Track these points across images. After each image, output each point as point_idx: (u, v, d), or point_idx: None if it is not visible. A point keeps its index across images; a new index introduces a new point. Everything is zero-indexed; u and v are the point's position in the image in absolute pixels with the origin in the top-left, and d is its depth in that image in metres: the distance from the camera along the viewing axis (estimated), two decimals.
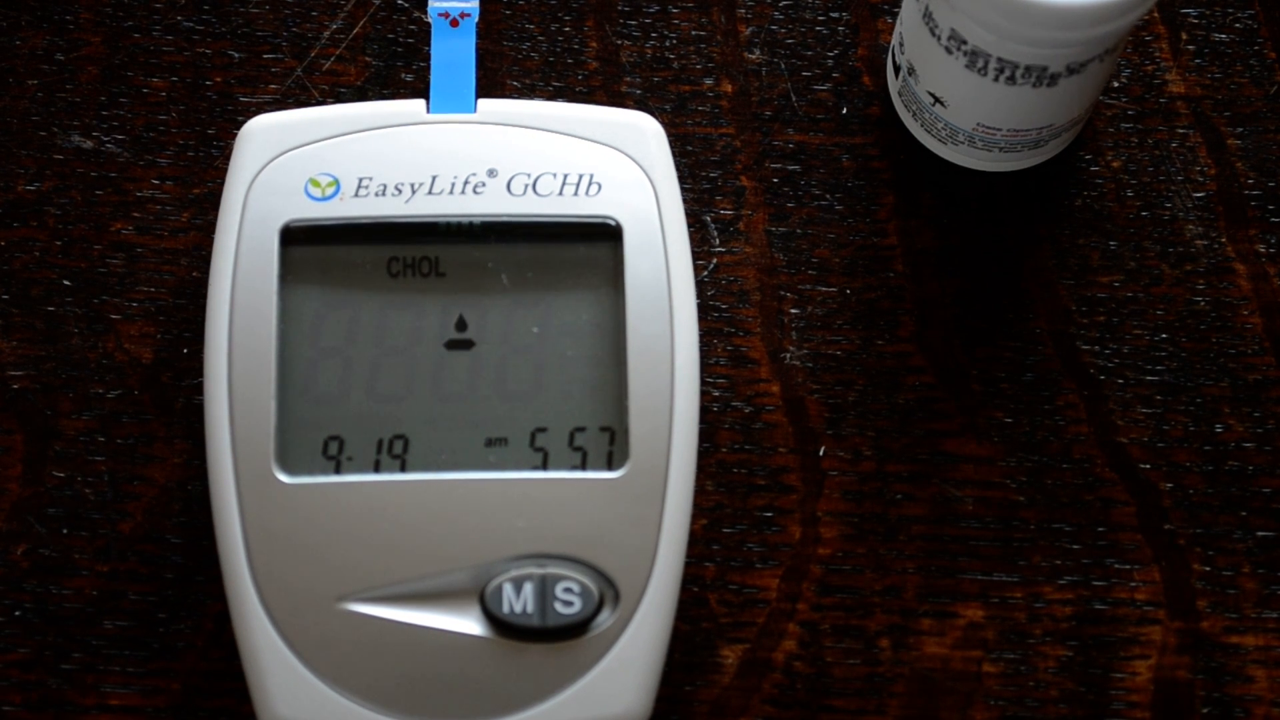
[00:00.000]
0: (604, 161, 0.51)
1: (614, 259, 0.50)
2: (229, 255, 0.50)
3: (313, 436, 0.49)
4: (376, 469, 0.49)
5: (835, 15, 0.57)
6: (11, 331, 0.54)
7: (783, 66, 0.57)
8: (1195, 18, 0.57)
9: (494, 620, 0.48)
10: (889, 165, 0.56)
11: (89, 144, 0.55)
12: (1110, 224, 0.55)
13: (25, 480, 0.52)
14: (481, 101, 0.52)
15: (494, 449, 0.49)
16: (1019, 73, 0.51)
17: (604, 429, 0.49)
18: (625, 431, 0.49)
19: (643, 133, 0.51)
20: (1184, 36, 0.57)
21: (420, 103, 0.52)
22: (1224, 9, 0.57)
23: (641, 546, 0.48)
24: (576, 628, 0.48)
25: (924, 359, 0.54)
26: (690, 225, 0.54)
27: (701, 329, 0.54)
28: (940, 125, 0.54)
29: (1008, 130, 0.53)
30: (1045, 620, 0.52)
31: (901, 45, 0.54)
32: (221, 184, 0.51)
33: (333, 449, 0.49)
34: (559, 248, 0.51)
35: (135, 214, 0.55)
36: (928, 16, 0.51)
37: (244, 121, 0.51)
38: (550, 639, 0.48)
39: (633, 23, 0.57)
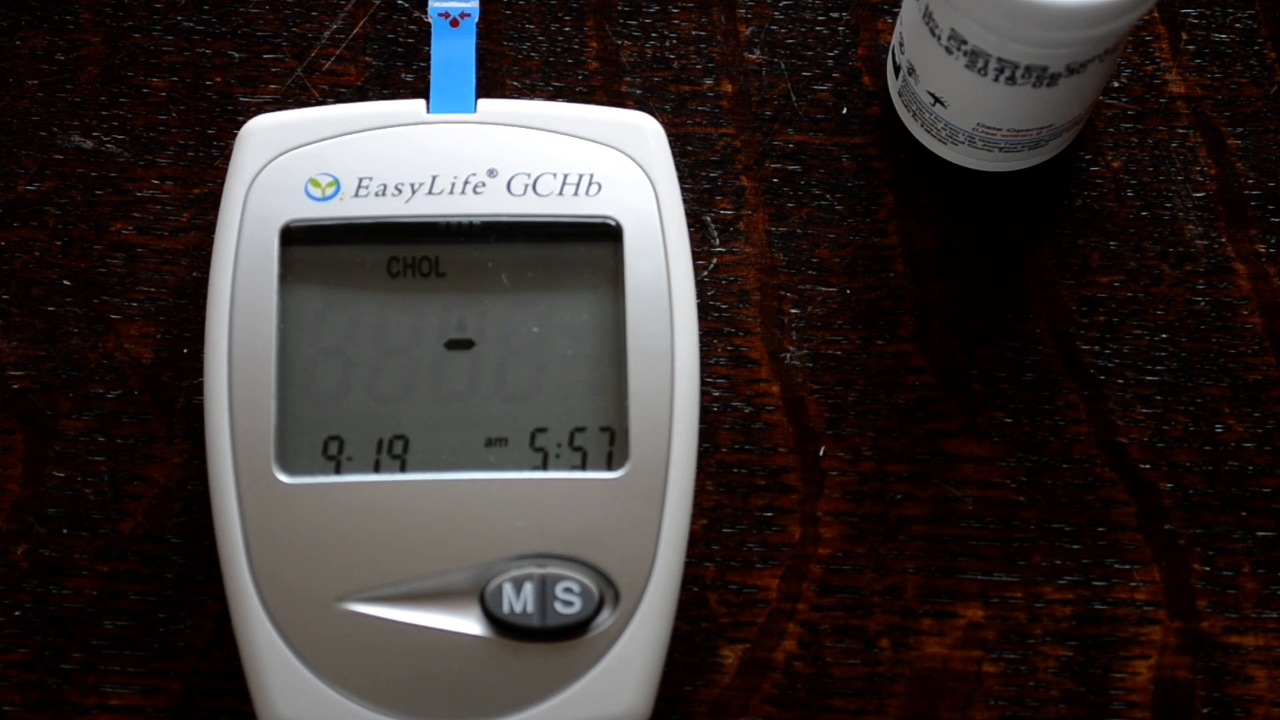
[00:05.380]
0: (604, 161, 0.51)
1: (614, 259, 0.50)
2: (229, 255, 0.50)
3: (313, 436, 0.49)
4: (376, 469, 0.49)
5: (835, 15, 0.57)
6: (11, 331, 0.54)
7: (783, 66, 0.57)
8: (1195, 18, 0.57)
9: (494, 620, 0.48)
10: (889, 165, 0.56)
11: (89, 144, 0.55)
12: (1110, 224, 0.55)
13: (25, 480, 0.52)
14: (481, 101, 0.52)
15: (494, 449, 0.49)
16: (1019, 73, 0.51)
17: (604, 429, 0.49)
18: (625, 431, 0.49)
19: (643, 133, 0.51)
20: (1184, 36, 0.57)
21: (420, 103, 0.52)
22: (1224, 9, 0.57)
23: (641, 546, 0.48)
24: (576, 628, 0.48)
25: (924, 359, 0.54)
26: (690, 225, 0.54)
27: (701, 329, 0.54)
28: (940, 125, 0.54)
29: (1008, 130, 0.53)
30: (1045, 620, 0.52)
31: (901, 45, 0.54)
32: (221, 184, 0.51)
33: (333, 449, 0.49)
34: (559, 248, 0.51)
35: (135, 214, 0.55)
36: (928, 16, 0.51)
37: (244, 121, 0.51)
38: (550, 639, 0.48)
39: (633, 23, 0.57)
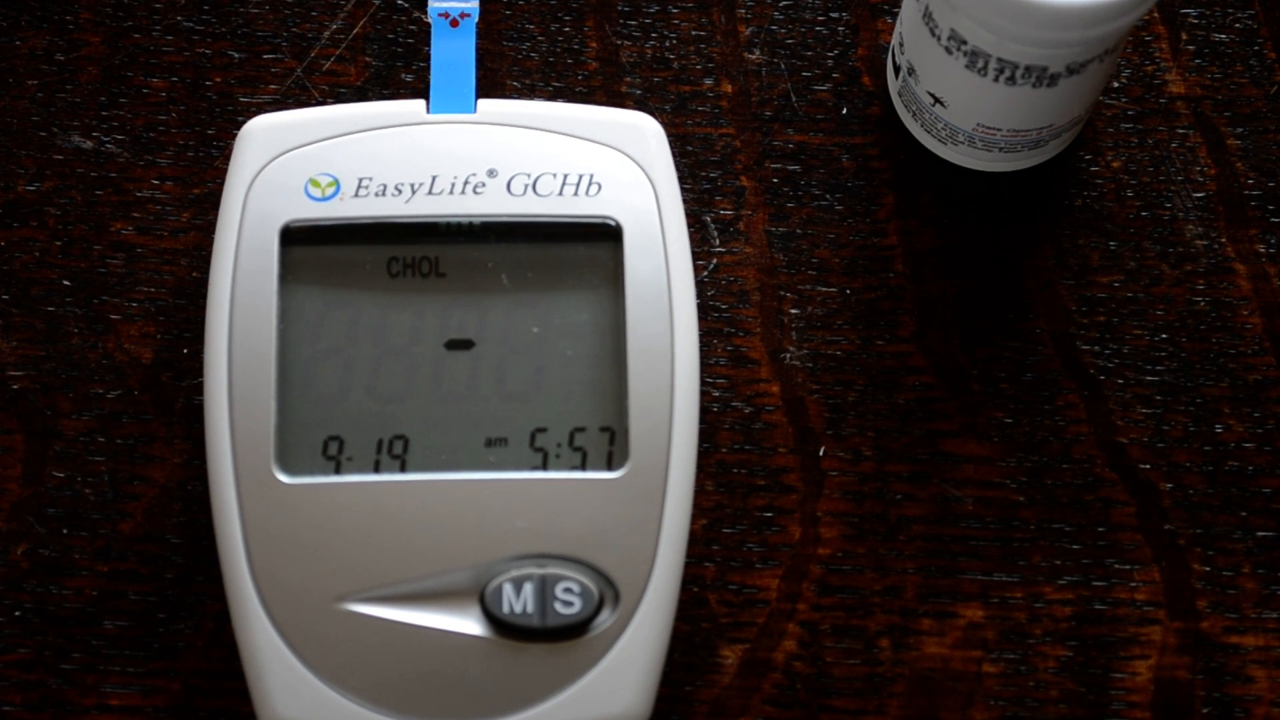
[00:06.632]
0: (604, 161, 0.51)
1: (614, 259, 0.50)
2: (229, 255, 0.50)
3: (313, 436, 0.49)
4: (376, 469, 0.49)
5: (835, 15, 0.57)
6: (11, 331, 0.54)
7: (783, 66, 0.57)
8: (1195, 18, 0.57)
9: (494, 620, 0.48)
10: (889, 165, 0.56)
11: (89, 144, 0.55)
12: (1110, 224, 0.55)
13: (25, 480, 0.52)
14: (481, 101, 0.52)
15: (494, 449, 0.49)
16: (1019, 73, 0.51)
17: (604, 429, 0.49)
18: (625, 431, 0.49)
19: (643, 133, 0.51)
20: (1184, 36, 0.57)
21: (420, 103, 0.52)
22: (1224, 9, 0.57)
23: (641, 546, 0.48)
24: (576, 628, 0.48)
25: (924, 359, 0.54)
26: (690, 225, 0.54)
27: (701, 329, 0.54)
28: (940, 125, 0.54)
29: (1008, 130, 0.53)
30: (1045, 620, 0.52)
31: (901, 45, 0.54)
32: (221, 184, 0.51)
33: (333, 449, 0.49)
34: (559, 248, 0.51)
35: (135, 214, 0.55)
36: (928, 16, 0.51)
37: (244, 121, 0.51)
38: (550, 639, 0.48)
39: (633, 23, 0.57)
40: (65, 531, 0.52)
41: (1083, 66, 0.51)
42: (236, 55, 0.56)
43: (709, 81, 0.56)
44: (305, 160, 0.51)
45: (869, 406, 0.54)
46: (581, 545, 0.48)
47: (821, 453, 0.53)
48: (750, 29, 0.57)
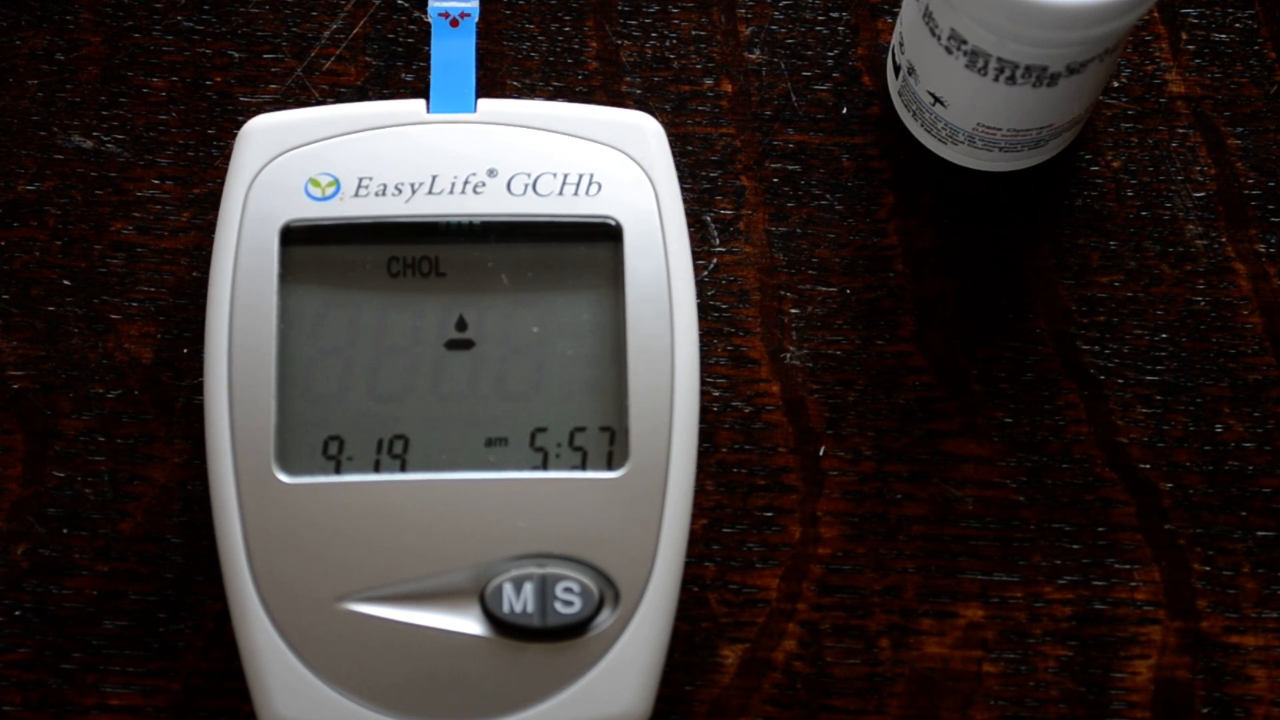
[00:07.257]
0: (604, 161, 0.51)
1: (614, 259, 0.50)
2: (229, 255, 0.50)
3: (313, 436, 0.49)
4: (376, 469, 0.49)
5: (835, 15, 0.57)
6: (11, 331, 0.54)
7: (783, 66, 0.57)
8: (1195, 18, 0.57)
9: (494, 620, 0.48)
10: (889, 165, 0.56)
11: (89, 144, 0.55)
12: (1110, 224, 0.55)
13: (25, 480, 0.52)
14: (481, 101, 0.52)
15: (494, 449, 0.49)
16: (1019, 73, 0.51)
17: (604, 429, 0.49)
18: (625, 431, 0.49)
19: (643, 133, 0.51)
20: (1184, 36, 0.57)
21: (420, 103, 0.52)
22: (1224, 9, 0.57)
23: (641, 546, 0.48)
24: (576, 628, 0.48)
25: (924, 359, 0.54)
26: (690, 225, 0.54)
27: (701, 329, 0.54)
28: (940, 125, 0.54)
29: (1008, 130, 0.53)
30: (1045, 620, 0.52)
31: (901, 45, 0.54)
32: (221, 184, 0.51)
33: (333, 449, 0.49)
34: (559, 248, 0.51)
35: (135, 214, 0.55)
36: (928, 16, 0.51)
37: (244, 121, 0.51)
38: (550, 639, 0.48)
39: (633, 23, 0.57)
40: (65, 531, 0.52)
41: (1083, 66, 0.51)
42: (236, 55, 0.56)
43: (709, 81, 0.56)
44: (305, 160, 0.51)
45: (869, 406, 0.54)
46: (581, 545, 0.48)
47: (821, 453, 0.53)
48: (750, 29, 0.57)
